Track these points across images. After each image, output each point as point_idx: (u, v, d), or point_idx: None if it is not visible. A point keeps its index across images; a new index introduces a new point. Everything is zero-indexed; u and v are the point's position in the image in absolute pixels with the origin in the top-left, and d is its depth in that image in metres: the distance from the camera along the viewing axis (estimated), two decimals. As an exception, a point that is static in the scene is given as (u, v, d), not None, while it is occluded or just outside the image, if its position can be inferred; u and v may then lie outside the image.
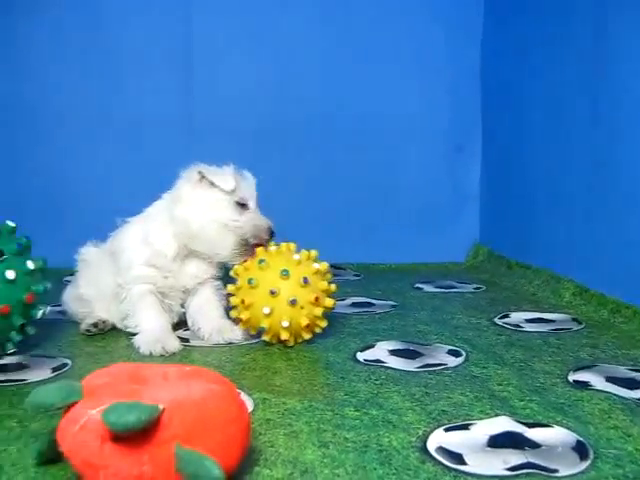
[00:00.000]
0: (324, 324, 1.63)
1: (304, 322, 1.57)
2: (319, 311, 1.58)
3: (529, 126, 2.44)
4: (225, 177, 1.67)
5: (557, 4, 2.22)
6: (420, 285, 2.44)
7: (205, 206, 1.67)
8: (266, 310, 1.56)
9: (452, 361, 1.51)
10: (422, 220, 2.87)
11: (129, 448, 0.85)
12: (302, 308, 1.57)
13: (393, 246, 2.85)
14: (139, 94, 2.74)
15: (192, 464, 0.83)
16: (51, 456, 0.98)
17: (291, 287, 1.57)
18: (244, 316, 1.60)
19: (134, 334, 1.68)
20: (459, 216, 2.91)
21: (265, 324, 1.58)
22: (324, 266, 1.64)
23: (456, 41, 2.83)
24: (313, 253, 1.66)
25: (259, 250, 1.65)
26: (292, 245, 1.68)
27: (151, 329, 1.66)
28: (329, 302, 1.62)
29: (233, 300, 1.64)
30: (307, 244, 1.69)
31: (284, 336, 1.58)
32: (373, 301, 2.17)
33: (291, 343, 1.62)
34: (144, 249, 1.70)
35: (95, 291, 1.81)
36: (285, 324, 1.55)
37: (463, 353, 1.57)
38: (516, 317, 1.93)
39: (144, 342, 1.63)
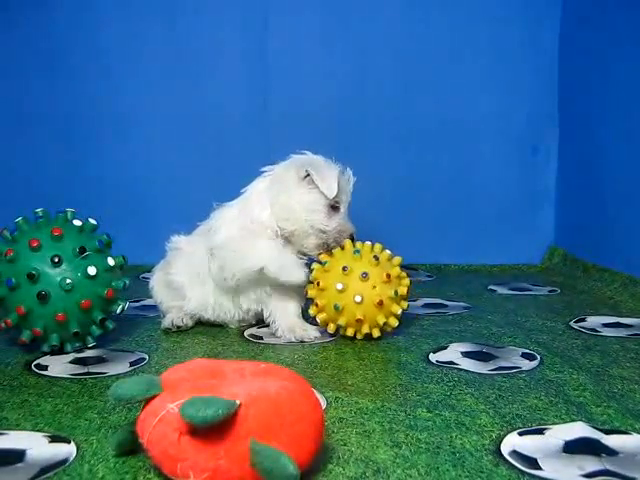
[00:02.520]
0: (395, 323, 1.64)
1: (376, 299, 1.60)
2: (390, 290, 1.61)
3: (608, 127, 2.38)
4: (330, 183, 1.69)
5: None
6: (494, 287, 2.42)
7: (304, 204, 1.70)
8: (339, 286, 1.61)
9: (526, 364, 1.49)
10: (496, 221, 2.83)
11: (206, 442, 0.87)
12: (374, 287, 1.60)
13: (467, 247, 2.83)
14: (214, 93, 2.78)
15: (268, 459, 0.84)
16: (130, 447, 1.01)
17: (362, 265, 1.64)
18: (320, 301, 1.66)
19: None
20: (534, 217, 2.86)
21: (340, 302, 1.62)
22: (385, 256, 1.68)
23: (533, 39, 2.78)
24: (377, 247, 1.71)
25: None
26: (366, 245, 1.72)
27: (268, 252, 1.70)
28: (405, 284, 1.66)
29: (310, 291, 1.70)
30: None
31: (359, 314, 1.60)
32: (446, 302, 2.16)
33: (361, 334, 1.65)
34: (240, 232, 1.71)
35: (187, 278, 1.83)
36: (358, 299, 1.59)
37: (538, 357, 1.55)
38: (593, 321, 1.90)
39: (274, 264, 1.69)
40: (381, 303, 1.60)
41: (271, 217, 1.72)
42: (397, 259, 1.68)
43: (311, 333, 1.72)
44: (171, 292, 1.88)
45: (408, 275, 1.71)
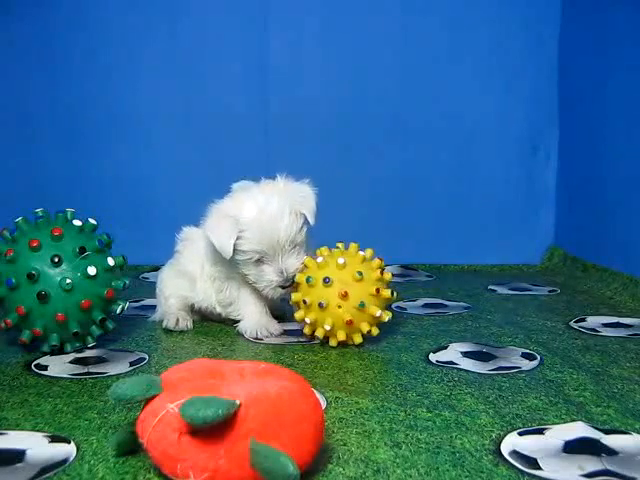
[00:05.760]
0: (387, 293, 1.60)
1: (376, 312, 1.57)
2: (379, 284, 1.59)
3: (608, 126, 2.38)
4: (222, 244, 1.63)
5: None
6: (494, 287, 2.41)
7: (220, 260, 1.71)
8: (327, 327, 1.58)
9: (526, 364, 1.49)
10: (496, 221, 2.83)
11: (206, 442, 0.87)
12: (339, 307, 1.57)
13: (466, 247, 2.83)
14: (214, 93, 2.78)
15: (268, 459, 0.84)
16: (130, 447, 1.01)
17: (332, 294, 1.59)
18: (320, 334, 1.62)
19: (234, 322, 1.80)
20: (534, 217, 2.86)
21: (341, 337, 1.60)
22: (353, 250, 1.66)
23: (533, 38, 2.77)
24: (338, 249, 1.67)
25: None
26: (324, 250, 1.68)
27: (253, 315, 1.76)
28: (377, 263, 1.63)
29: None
30: (379, 244, 1.70)
31: (365, 329, 1.58)
32: (446, 302, 2.16)
33: (375, 333, 1.61)
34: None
35: (199, 268, 1.84)
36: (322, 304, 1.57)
37: (537, 357, 1.54)
38: (593, 321, 1.89)
39: (250, 327, 1.74)
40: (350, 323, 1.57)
41: None
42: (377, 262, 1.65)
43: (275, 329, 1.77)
44: (182, 282, 1.87)
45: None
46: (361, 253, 1.64)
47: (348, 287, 1.57)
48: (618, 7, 2.30)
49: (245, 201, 1.65)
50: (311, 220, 1.68)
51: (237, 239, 1.62)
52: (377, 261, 1.65)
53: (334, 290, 1.57)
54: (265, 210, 1.62)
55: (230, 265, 1.73)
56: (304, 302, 1.60)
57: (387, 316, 1.60)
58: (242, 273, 1.71)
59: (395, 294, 1.63)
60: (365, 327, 1.59)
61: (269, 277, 1.66)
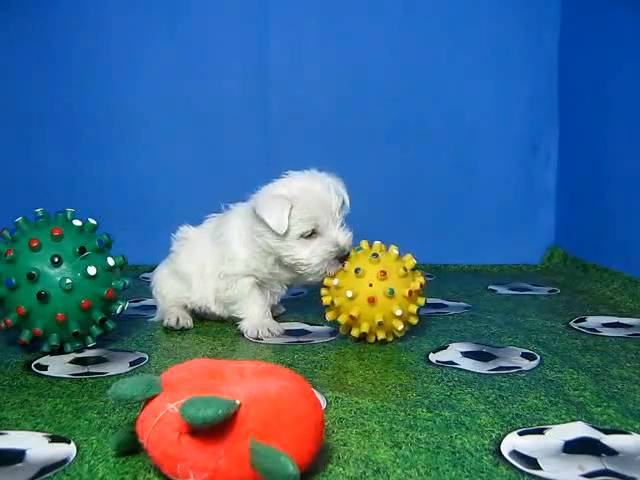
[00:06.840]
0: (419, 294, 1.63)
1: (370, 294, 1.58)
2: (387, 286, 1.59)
3: (609, 126, 2.38)
4: (277, 220, 1.64)
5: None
6: (494, 287, 2.42)
7: (270, 242, 1.70)
8: (349, 293, 1.58)
9: (526, 364, 1.49)
10: (497, 221, 2.83)
11: (206, 442, 0.87)
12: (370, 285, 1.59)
13: (467, 247, 2.83)
14: (214, 93, 2.78)
15: (268, 459, 0.84)
16: (130, 447, 1.01)
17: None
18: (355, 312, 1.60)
19: (238, 320, 1.82)
20: (534, 217, 2.86)
21: (379, 318, 1.58)
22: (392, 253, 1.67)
23: (533, 38, 2.78)
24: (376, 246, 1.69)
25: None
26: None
27: (256, 315, 1.79)
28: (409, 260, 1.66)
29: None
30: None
31: (398, 326, 1.59)
32: (446, 302, 2.16)
33: (400, 332, 1.62)
34: (244, 249, 1.78)
35: (195, 268, 1.85)
36: (349, 294, 1.57)
37: (537, 357, 1.54)
38: (593, 321, 1.89)
39: (251, 326, 1.77)
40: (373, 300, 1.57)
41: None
42: (408, 256, 1.68)
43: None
44: (177, 283, 1.89)
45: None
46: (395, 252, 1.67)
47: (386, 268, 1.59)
48: (618, 7, 2.30)
49: (290, 181, 1.71)
50: (347, 203, 1.75)
51: (291, 209, 1.64)
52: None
53: (366, 280, 1.59)
54: (313, 183, 1.69)
55: (259, 260, 1.76)
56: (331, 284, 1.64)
57: (400, 325, 1.59)
58: (288, 260, 1.71)
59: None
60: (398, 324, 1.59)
61: (325, 248, 1.66)
